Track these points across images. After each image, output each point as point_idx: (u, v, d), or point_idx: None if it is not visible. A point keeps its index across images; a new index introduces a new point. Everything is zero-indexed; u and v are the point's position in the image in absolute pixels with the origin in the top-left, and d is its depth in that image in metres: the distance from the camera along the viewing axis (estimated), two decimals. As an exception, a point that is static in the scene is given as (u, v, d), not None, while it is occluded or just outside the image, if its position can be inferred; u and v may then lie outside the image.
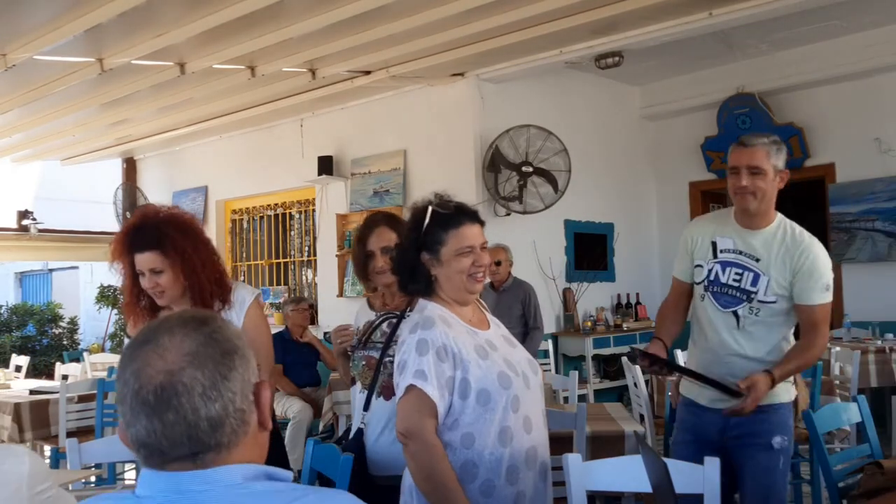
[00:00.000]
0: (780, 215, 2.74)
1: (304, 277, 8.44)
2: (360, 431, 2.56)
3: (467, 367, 2.06)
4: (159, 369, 1.07)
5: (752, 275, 2.69)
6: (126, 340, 2.79)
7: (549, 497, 2.19)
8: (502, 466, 2.06)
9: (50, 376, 8.31)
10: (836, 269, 7.23)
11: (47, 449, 5.62)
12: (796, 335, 2.76)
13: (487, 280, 2.76)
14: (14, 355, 8.24)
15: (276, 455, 2.53)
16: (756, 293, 2.67)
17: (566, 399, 4.70)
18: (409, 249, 2.21)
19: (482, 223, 2.24)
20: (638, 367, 5.07)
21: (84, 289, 13.30)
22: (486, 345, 2.15)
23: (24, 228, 9.30)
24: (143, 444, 1.08)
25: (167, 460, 1.08)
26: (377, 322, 2.72)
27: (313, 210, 8.02)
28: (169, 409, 1.05)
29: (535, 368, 2.23)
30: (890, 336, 6.16)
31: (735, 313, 2.70)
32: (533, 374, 2.19)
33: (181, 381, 1.06)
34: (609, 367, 7.34)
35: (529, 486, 2.10)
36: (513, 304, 5.61)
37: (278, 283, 8.58)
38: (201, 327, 1.12)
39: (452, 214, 2.20)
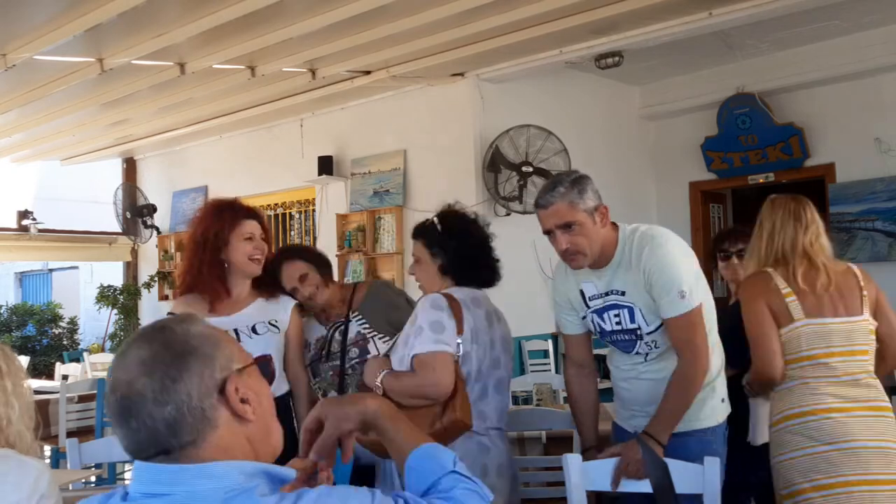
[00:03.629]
0: (622, 232, 2.49)
1: (304, 277, 8.43)
2: None
3: None
4: (121, 380, 1.15)
5: (626, 311, 2.47)
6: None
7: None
8: None
9: (50, 376, 8.32)
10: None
11: (47, 449, 5.62)
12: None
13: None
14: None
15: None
16: (639, 328, 2.46)
17: (566, 399, 4.69)
18: None
19: (415, 237, 2.59)
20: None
21: (84, 289, 13.29)
22: None
23: (24, 228, 9.30)
24: (125, 447, 1.17)
25: (146, 457, 1.15)
26: (329, 334, 2.95)
27: (313, 210, 8.01)
28: (130, 416, 1.13)
29: None
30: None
31: (638, 353, 2.54)
32: None
33: (135, 390, 1.13)
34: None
35: None
36: None
37: (278, 283, 8.57)
38: (157, 335, 1.19)
39: None
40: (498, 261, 2.59)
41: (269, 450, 1.22)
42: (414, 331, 2.36)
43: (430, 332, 2.31)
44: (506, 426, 2.55)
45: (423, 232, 2.54)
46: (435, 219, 2.53)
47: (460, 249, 2.49)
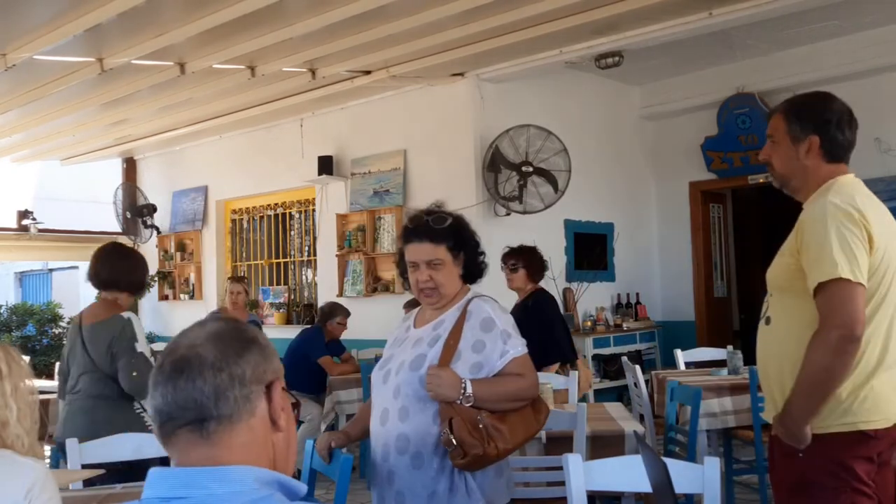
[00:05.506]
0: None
1: (304, 277, 8.44)
2: None
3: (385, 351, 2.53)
4: (182, 345, 1.21)
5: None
6: None
7: (423, 483, 2.31)
8: (378, 443, 2.38)
9: (50, 376, 8.29)
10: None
11: (47, 449, 5.62)
12: None
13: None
14: (14, 355, 8.22)
15: None
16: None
17: (566, 399, 4.69)
18: (401, 255, 2.54)
19: (434, 239, 2.42)
20: (637, 367, 5.06)
21: (84, 289, 13.26)
22: (402, 339, 2.51)
23: (24, 228, 9.30)
24: (158, 412, 1.18)
25: (177, 426, 1.16)
26: None
27: (313, 210, 8.02)
28: (181, 375, 1.16)
29: (402, 370, 2.39)
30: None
31: None
32: (394, 375, 2.40)
33: (197, 353, 1.18)
34: (609, 367, 7.33)
35: (400, 468, 2.32)
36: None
37: (278, 283, 8.58)
38: (229, 322, 1.27)
39: (404, 230, 2.51)
40: None
41: (285, 466, 1.25)
42: (498, 336, 2.37)
43: (516, 334, 2.40)
44: None
45: (444, 235, 2.44)
46: (451, 220, 2.48)
47: (475, 252, 2.53)
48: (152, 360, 3.39)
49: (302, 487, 1.19)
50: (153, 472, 1.16)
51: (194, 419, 1.15)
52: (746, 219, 8.66)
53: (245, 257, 8.90)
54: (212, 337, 1.21)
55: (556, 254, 7.29)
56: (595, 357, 7.09)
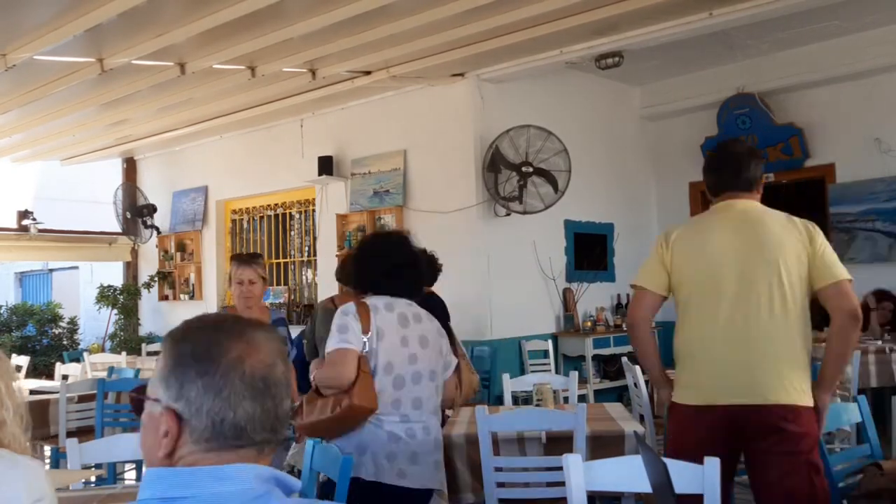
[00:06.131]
0: None
1: (304, 277, 8.44)
2: None
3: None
4: (261, 360, 1.15)
5: None
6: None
7: None
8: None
9: (50, 376, 8.30)
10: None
11: (47, 449, 5.62)
12: None
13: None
14: (14, 355, 8.22)
15: None
16: None
17: (566, 399, 4.69)
18: None
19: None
20: (638, 367, 5.06)
21: (84, 289, 13.27)
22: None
23: (24, 228, 9.30)
24: (233, 426, 1.13)
25: (245, 444, 1.13)
26: None
27: (313, 210, 8.02)
28: (268, 396, 1.14)
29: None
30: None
31: None
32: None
33: (275, 375, 1.16)
34: (609, 367, 7.33)
35: None
36: None
37: (278, 283, 8.58)
38: (274, 332, 1.24)
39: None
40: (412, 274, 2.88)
41: None
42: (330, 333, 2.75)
43: (337, 333, 2.70)
44: (435, 415, 2.84)
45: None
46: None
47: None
48: None
49: (296, 483, 1.19)
50: (149, 472, 1.14)
51: (262, 440, 1.15)
52: (746, 219, 8.64)
53: (245, 257, 8.89)
54: (279, 356, 1.18)
55: (556, 254, 7.29)
56: (595, 357, 7.09)
